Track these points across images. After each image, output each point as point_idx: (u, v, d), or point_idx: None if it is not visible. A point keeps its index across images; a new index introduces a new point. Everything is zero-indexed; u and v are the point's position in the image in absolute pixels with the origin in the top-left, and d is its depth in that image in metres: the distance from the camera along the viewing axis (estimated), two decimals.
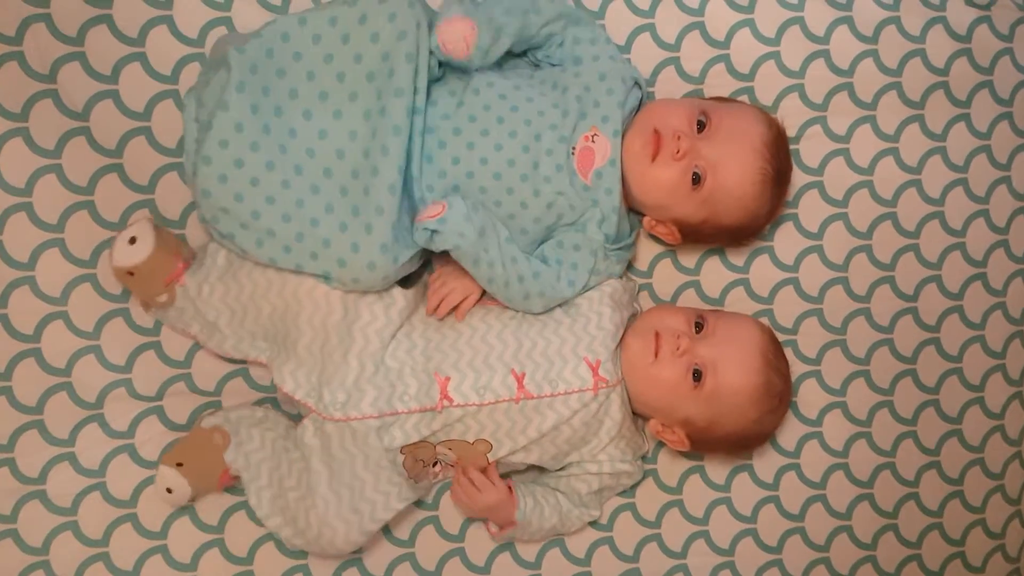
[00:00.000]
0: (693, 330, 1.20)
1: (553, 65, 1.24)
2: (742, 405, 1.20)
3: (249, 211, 1.06)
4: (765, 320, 1.34)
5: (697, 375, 1.17)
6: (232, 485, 1.22)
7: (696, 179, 1.16)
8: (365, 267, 1.08)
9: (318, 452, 1.15)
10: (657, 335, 1.18)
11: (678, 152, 1.15)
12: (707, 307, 1.33)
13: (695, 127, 1.17)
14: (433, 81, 1.14)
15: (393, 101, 1.09)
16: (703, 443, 1.24)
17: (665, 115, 1.18)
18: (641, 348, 1.19)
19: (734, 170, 1.17)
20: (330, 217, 1.08)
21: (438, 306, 1.16)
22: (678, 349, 1.17)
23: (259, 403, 1.25)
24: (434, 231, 1.07)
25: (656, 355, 1.18)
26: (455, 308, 1.18)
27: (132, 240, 1.11)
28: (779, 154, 1.21)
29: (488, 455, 1.19)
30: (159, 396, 1.22)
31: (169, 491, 1.17)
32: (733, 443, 1.26)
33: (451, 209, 1.07)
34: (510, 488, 1.21)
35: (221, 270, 1.14)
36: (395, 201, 1.08)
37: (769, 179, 1.20)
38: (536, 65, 1.26)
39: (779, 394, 1.23)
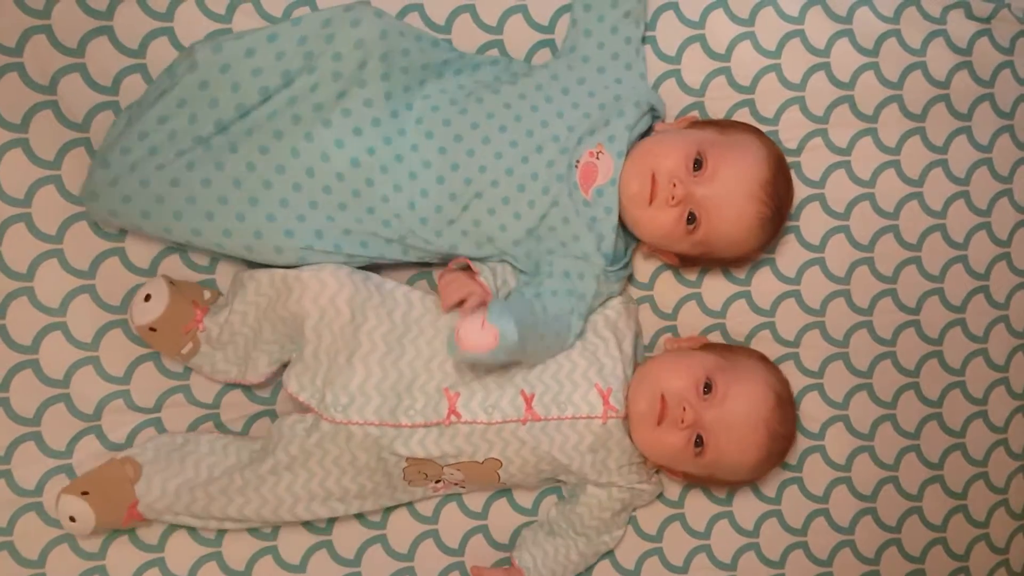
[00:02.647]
0: (701, 392, 1.17)
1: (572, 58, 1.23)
2: (740, 471, 1.23)
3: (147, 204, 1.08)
4: (779, 369, 1.30)
5: (699, 441, 1.17)
6: (140, 520, 1.17)
7: (692, 219, 1.17)
8: (283, 234, 1.10)
9: (301, 439, 1.13)
10: (663, 399, 1.16)
11: (673, 199, 1.15)
12: (710, 321, 1.34)
13: (691, 168, 1.16)
14: (434, 80, 1.15)
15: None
16: (699, 480, 1.28)
17: (660, 156, 1.18)
18: (646, 411, 1.17)
19: (730, 216, 1.18)
20: (256, 209, 1.10)
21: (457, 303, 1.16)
22: (683, 422, 1.15)
23: (257, 416, 1.24)
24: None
25: (660, 422, 1.16)
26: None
27: (147, 297, 1.13)
28: (777, 192, 1.20)
29: (498, 471, 1.18)
30: (157, 408, 1.22)
31: (72, 520, 1.13)
32: (728, 484, 1.32)
33: (503, 340, 1.03)
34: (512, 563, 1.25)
35: (248, 299, 1.14)
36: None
37: (766, 220, 1.20)
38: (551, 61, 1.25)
39: (779, 454, 1.25)
